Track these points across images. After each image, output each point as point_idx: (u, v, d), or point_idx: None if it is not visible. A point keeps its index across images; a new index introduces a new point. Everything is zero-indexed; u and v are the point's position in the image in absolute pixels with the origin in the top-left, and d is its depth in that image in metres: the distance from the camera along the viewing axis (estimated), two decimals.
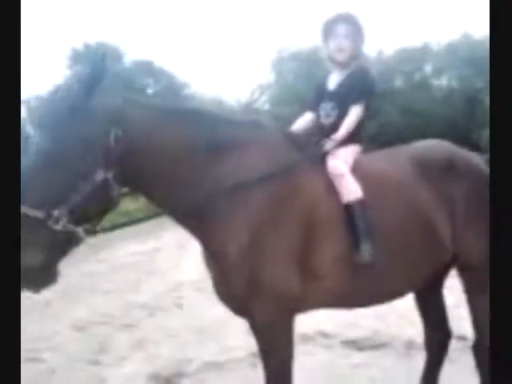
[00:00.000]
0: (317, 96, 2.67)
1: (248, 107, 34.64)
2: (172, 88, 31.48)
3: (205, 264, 2.44)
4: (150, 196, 2.25)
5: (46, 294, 4.73)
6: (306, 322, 4.38)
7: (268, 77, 37.93)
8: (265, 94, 37.84)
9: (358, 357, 4.02)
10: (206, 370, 3.77)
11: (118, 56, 29.64)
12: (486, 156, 2.87)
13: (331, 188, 2.32)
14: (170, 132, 2.14)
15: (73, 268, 6.36)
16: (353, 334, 4.50)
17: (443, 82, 35.36)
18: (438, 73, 35.10)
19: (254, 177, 2.16)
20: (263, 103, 37.62)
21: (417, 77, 35.00)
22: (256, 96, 39.37)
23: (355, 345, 4.27)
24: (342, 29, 2.51)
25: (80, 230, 1.94)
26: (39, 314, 4.78)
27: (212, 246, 2.24)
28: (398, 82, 34.92)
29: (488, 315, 2.72)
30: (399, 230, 2.40)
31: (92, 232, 2.04)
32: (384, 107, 30.96)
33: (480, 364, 2.80)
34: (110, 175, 1.98)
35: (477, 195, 2.53)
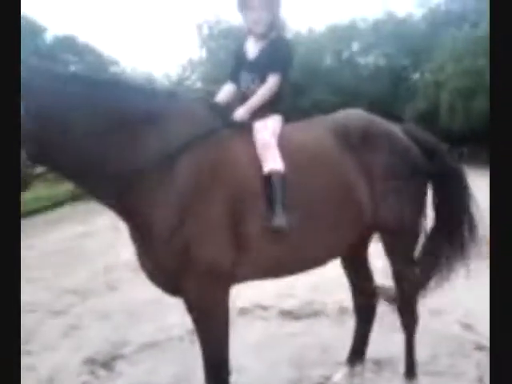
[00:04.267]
0: (236, 65, 2.64)
1: (179, 84, 33.89)
2: (98, 65, 30.09)
3: (133, 243, 2.36)
4: (69, 175, 2.13)
5: None
6: (243, 297, 4.44)
7: (199, 53, 37.27)
8: (196, 72, 37.20)
9: (293, 326, 4.13)
10: (143, 351, 3.71)
11: (37, 31, 27.73)
12: (406, 124, 3.01)
13: (257, 158, 2.33)
14: (86, 103, 2.02)
15: None
16: (288, 304, 4.62)
17: (370, 59, 36.56)
18: (364, 51, 36.19)
19: (179, 147, 2.11)
20: (195, 81, 37.01)
21: (345, 55, 35.90)
22: (187, 73, 38.58)
23: (291, 315, 4.38)
24: (256, 0, 2.46)
25: None
26: None
27: (140, 223, 2.17)
28: (328, 60, 35.66)
29: (409, 277, 2.90)
30: (320, 199, 2.45)
31: None
32: (316, 84, 31.63)
33: (403, 323, 2.97)
34: (22, 152, 1.82)
35: (394, 162, 2.63)
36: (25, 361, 3.46)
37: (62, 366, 3.46)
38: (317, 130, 2.64)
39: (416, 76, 35.15)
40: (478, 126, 26.41)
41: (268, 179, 2.27)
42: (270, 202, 2.26)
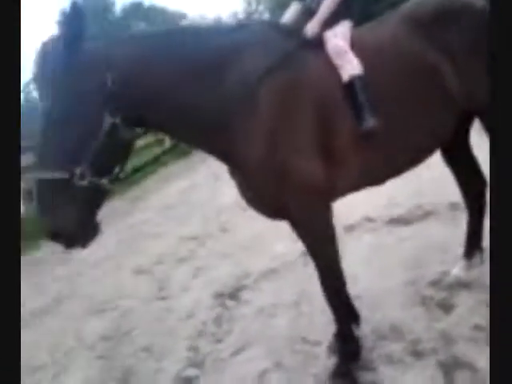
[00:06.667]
0: None
1: (247, 20, 33.09)
2: (167, 23, 30.52)
3: (234, 181, 2.48)
4: (167, 130, 2.28)
5: (101, 251, 4.98)
6: (348, 215, 4.49)
7: None
8: (262, 2, 35.91)
9: (404, 231, 4.10)
10: (264, 279, 3.97)
11: (107, 6, 28.72)
12: None
13: (334, 68, 2.29)
14: (161, 57, 2.10)
15: (121, 223, 6.68)
16: (396, 212, 4.57)
17: None
18: None
19: (258, 76, 2.12)
20: (262, 12, 35.83)
21: None
22: (253, 7, 37.45)
23: (400, 221, 4.34)
24: None
25: (104, 180, 2.01)
26: (102, 268, 5.09)
27: (236, 157, 2.23)
28: None
29: None
30: (405, 91, 2.37)
31: (116, 180, 2.11)
32: None
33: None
34: (117, 119, 1.99)
35: (474, 35, 2.42)
36: (163, 305, 3.94)
37: (196, 304, 3.85)
38: (388, 24, 2.54)
39: None
40: None
41: (350, 85, 2.24)
42: (356, 108, 2.23)
